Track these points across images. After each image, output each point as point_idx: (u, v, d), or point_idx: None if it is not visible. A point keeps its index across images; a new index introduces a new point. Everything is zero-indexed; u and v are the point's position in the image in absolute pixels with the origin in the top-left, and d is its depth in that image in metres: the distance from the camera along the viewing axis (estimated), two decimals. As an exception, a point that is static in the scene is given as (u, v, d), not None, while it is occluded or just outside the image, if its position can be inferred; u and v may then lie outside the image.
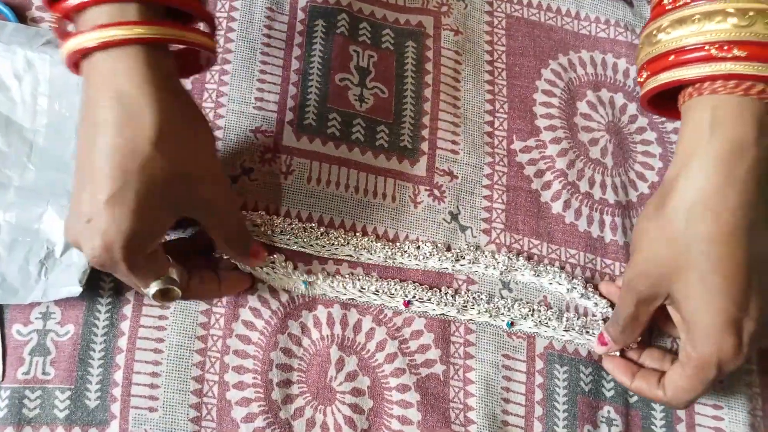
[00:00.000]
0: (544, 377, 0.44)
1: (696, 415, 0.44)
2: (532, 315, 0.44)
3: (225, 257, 0.41)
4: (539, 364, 0.44)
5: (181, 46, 0.36)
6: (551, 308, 0.45)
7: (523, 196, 0.48)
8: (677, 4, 0.37)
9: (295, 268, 0.43)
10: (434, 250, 0.45)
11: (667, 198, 0.37)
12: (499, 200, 0.47)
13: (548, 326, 0.44)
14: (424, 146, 0.48)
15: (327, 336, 0.43)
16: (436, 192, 0.47)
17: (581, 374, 0.44)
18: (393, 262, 0.44)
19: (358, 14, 0.50)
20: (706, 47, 0.36)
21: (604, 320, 0.44)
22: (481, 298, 0.44)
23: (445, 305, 0.44)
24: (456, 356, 0.43)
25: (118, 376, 0.40)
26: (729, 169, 0.35)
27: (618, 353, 0.43)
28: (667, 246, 0.37)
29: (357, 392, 0.42)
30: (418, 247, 0.45)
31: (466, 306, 0.44)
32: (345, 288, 0.43)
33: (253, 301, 0.42)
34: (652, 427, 0.44)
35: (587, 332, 0.44)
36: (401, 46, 0.50)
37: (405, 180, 0.47)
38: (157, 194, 0.32)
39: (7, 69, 0.43)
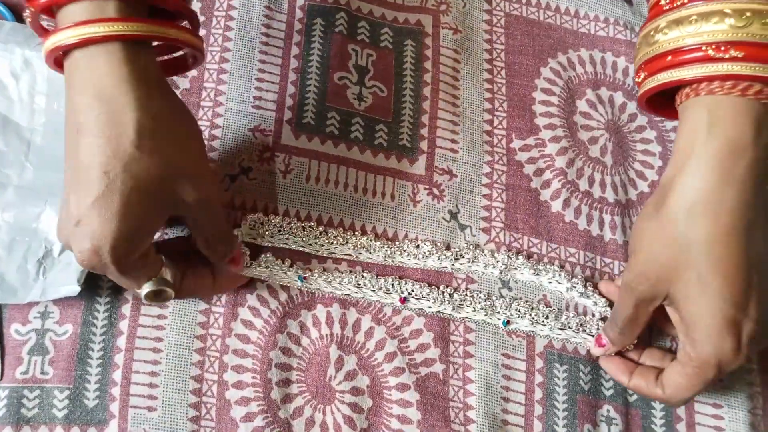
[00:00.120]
0: (543, 376, 0.44)
1: (696, 414, 0.44)
2: (528, 313, 0.44)
3: None
4: (539, 363, 0.44)
5: (163, 43, 0.35)
6: (550, 307, 0.45)
7: (522, 195, 0.47)
8: (674, 5, 0.37)
9: (292, 265, 0.43)
10: (433, 248, 0.45)
11: (665, 198, 0.37)
12: (499, 199, 0.47)
13: (544, 325, 0.44)
14: (423, 145, 0.47)
15: (326, 335, 0.43)
16: (435, 191, 0.47)
17: (581, 373, 0.44)
18: (392, 261, 0.44)
19: (356, 13, 0.50)
20: (704, 48, 0.36)
21: (603, 319, 0.44)
22: (479, 297, 0.44)
23: (442, 303, 0.43)
24: (455, 355, 0.43)
25: (117, 375, 0.40)
26: (727, 170, 0.35)
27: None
28: (666, 246, 0.37)
29: (356, 391, 0.42)
30: (418, 246, 0.45)
31: (462, 304, 0.44)
32: (341, 284, 0.43)
33: (252, 300, 0.42)
34: (652, 426, 0.44)
35: (584, 330, 0.44)
36: (400, 45, 0.50)
37: (404, 179, 0.46)
38: (143, 194, 0.32)
39: (4, 68, 0.43)
